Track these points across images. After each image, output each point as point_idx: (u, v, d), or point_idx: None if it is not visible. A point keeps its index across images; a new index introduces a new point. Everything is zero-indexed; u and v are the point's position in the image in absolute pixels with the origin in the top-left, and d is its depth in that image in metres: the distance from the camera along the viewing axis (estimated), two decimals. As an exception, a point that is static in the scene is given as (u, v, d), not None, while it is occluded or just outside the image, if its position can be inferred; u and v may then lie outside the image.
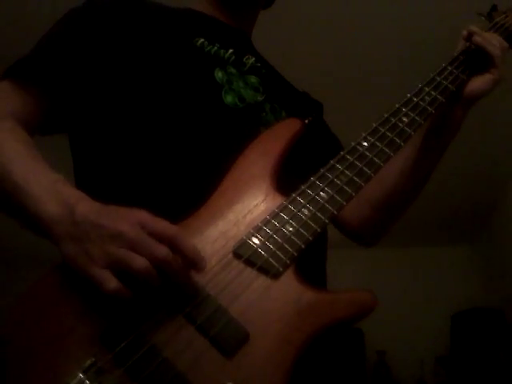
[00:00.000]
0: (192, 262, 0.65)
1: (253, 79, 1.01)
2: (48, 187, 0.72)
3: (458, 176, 3.98)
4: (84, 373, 0.59)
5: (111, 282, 0.62)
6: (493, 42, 1.01)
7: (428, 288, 4.94)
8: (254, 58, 1.05)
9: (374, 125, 0.89)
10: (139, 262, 0.62)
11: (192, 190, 0.82)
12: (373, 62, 2.99)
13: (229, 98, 0.93)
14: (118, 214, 0.67)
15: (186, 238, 0.66)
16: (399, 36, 2.79)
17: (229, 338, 0.65)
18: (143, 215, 0.66)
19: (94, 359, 0.60)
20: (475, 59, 1.01)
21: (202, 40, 0.99)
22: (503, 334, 4.20)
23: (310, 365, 0.88)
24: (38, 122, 0.90)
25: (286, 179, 0.82)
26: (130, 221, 0.65)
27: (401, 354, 4.78)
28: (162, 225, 0.66)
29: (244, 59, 1.03)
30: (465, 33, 1.05)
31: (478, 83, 1.00)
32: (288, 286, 0.71)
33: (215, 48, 0.99)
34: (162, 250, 0.63)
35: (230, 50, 1.01)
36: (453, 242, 5.17)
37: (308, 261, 0.76)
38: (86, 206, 0.69)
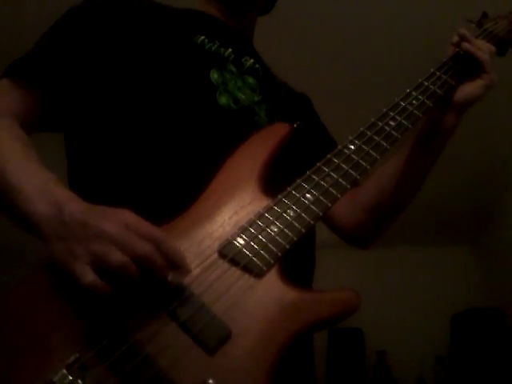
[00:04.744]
0: (173, 261, 0.66)
1: (251, 80, 1.02)
2: (39, 187, 0.73)
3: (458, 177, 3.98)
4: (67, 368, 0.60)
5: (88, 276, 0.63)
6: (481, 47, 1.02)
7: (428, 288, 4.94)
8: (252, 60, 1.06)
9: (361, 128, 0.91)
10: (116, 256, 0.63)
11: (181, 190, 0.83)
12: (369, 66, 3.01)
13: (223, 100, 0.94)
14: (104, 213, 0.68)
15: (167, 238, 0.67)
16: (394, 40, 2.81)
17: (211, 336, 0.65)
18: (128, 215, 0.68)
19: (77, 355, 0.61)
20: (464, 64, 1.02)
21: (202, 38, 1.00)
22: (503, 335, 4.20)
23: (306, 364, 0.90)
24: (36, 120, 0.91)
25: (280, 181, 0.83)
26: (114, 220, 0.66)
27: (401, 354, 4.78)
28: (145, 224, 0.67)
29: (242, 60, 1.04)
30: (455, 38, 1.06)
31: (468, 89, 1.00)
32: (271, 285, 0.72)
33: (215, 46, 1.00)
34: (143, 246, 0.64)
35: (230, 49, 1.02)
36: (453, 243, 5.17)
37: (294, 261, 0.77)
38: (74, 206, 0.70)
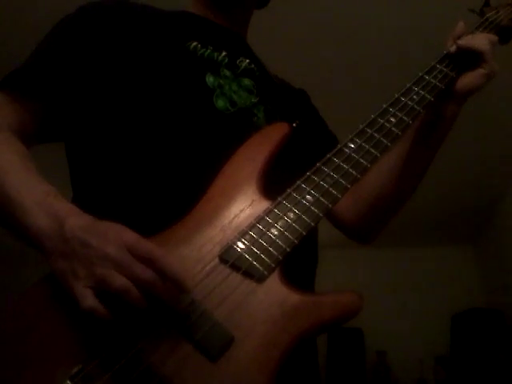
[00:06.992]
0: (175, 285, 0.65)
1: (247, 81, 1.01)
2: (39, 200, 0.73)
3: (458, 177, 4.00)
4: (71, 379, 0.59)
5: (87, 300, 0.62)
6: (481, 41, 0.99)
7: (428, 288, 4.95)
8: (247, 61, 1.05)
9: (361, 126, 0.89)
10: (119, 281, 0.62)
11: (181, 195, 0.82)
12: (369, 62, 3.01)
13: (220, 103, 0.93)
14: (106, 233, 0.67)
15: (170, 262, 0.66)
16: (394, 31, 2.81)
17: (213, 342, 0.65)
18: (130, 237, 0.67)
19: (80, 366, 0.61)
20: (465, 56, 1.00)
21: (194, 43, 0.99)
22: (503, 335, 4.21)
23: (306, 367, 0.89)
24: (34, 132, 0.90)
25: (281, 182, 0.82)
26: (116, 242, 0.65)
27: (401, 354, 4.79)
28: (146, 246, 0.66)
29: (237, 62, 1.03)
30: (455, 33, 1.03)
31: (469, 78, 0.98)
32: (273, 289, 0.71)
33: (208, 51, 0.99)
34: (146, 273, 0.63)
35: (224, 53, 1.01)
36: (453, 243, 5.17)
37: (296, 264, 0.76)
38: (75, 221, 0.69)
